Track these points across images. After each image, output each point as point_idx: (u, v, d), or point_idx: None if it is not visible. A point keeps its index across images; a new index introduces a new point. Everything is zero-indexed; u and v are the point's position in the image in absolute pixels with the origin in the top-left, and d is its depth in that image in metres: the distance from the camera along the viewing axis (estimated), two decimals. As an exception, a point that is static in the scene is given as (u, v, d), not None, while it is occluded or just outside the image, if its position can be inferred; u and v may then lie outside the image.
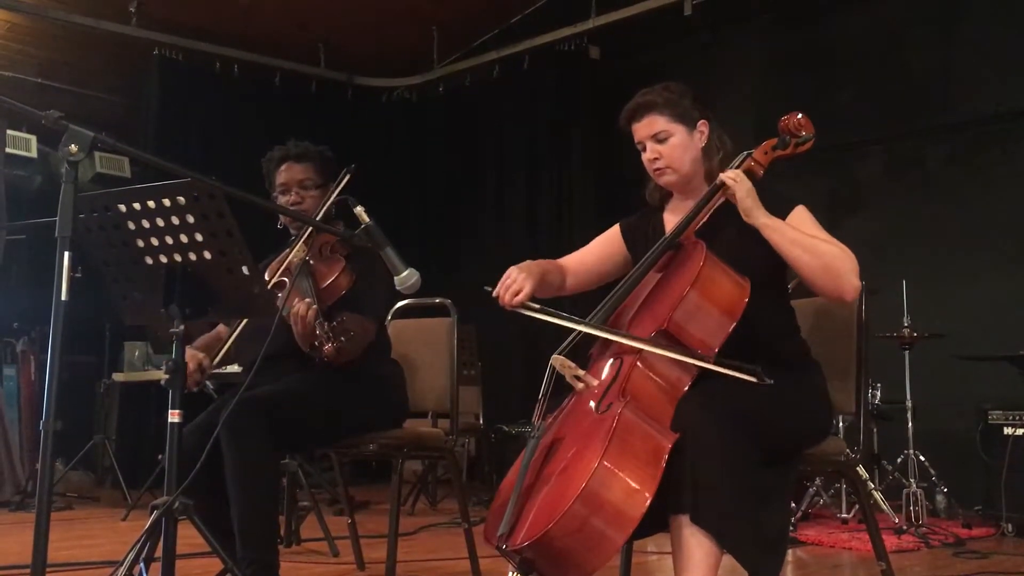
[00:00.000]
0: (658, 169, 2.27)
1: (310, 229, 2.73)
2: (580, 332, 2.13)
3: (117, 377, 6.09)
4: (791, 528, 4.15)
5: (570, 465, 1.87)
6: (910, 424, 4.47)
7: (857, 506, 4.37)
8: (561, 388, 2.12)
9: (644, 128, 2.26)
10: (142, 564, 1.99)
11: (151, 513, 1.96)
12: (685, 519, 1.86)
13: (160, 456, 4.62)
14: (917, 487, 4.31)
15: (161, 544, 1.95)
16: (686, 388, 2.00)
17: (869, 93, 5.63)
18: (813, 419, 2.21)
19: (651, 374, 1.99)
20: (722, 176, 2.20)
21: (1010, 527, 4.15)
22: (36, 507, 1.66)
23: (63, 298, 1.63)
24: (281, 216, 2.88)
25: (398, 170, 7.56)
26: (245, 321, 2.67)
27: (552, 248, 6.22)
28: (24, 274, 6.55)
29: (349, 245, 2.75)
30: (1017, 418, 4.24)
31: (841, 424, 4.16)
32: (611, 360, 2.07)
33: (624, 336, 2.03)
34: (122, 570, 1.96)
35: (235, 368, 5.09)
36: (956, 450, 4.60)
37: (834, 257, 2.09)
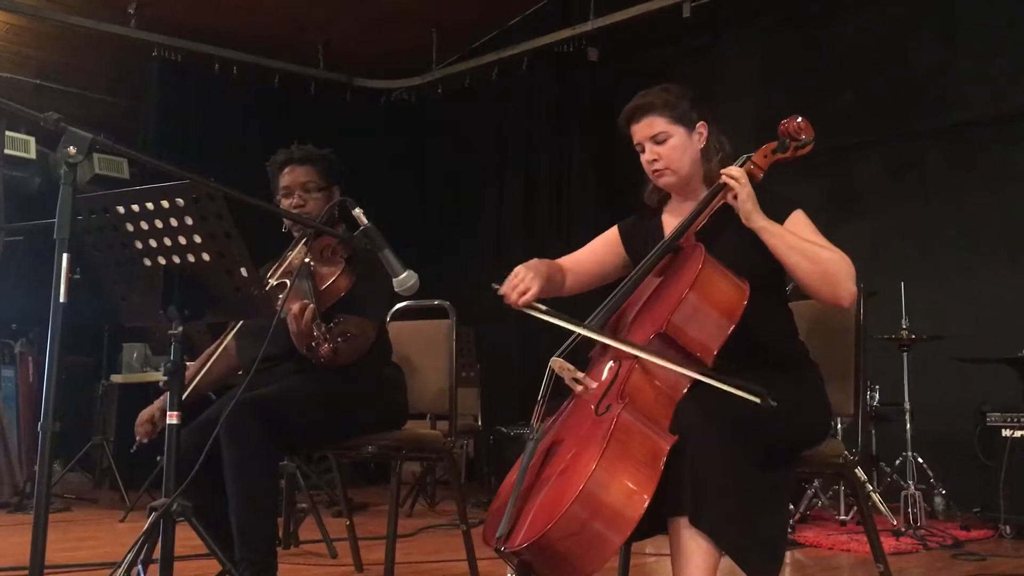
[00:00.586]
0: (657, 170, 2.27)
1: (312, 232, 2.73)
2: (579, 335, 2.13)
3: (116, 379, 6.09)
4: (790, 530, 4.15)
5: (569, 467, 1.87)
6: (908, 426, 4.47)
7: (855, 508, 4.37)
8: (560, 390, 2.12)
9: (643, 129, 2.26)
10: (140, 566, 1.99)
11: (149, 515, 1.96)
12: (684, 521, 1.86)
13: (159, 457, 4.61)
14: (915, 489, 4.31)
15: (159, 546, 1.95)
16: (685, 390, 2.00)
17: (868, 95, 5.64)
18: (812, 421, 2.21)
19: (650, 377, 1.99)
20: (724, 173, 2.19)
21: (1008, 529, 4.15)
22: (34, 508, 1.66)
23: (62, 300, 1.63)
24: (284, 219, 2.89)
25: (397, 172, 7.56)
26: (232, 333, 2.70)
27: (551, 250, 6.15)
28: (23, 275, 6.54)
29: (350, 247, 2.75)
30: (1015, 420, 4.24)
31: (840, 426, 4.16)
32: (610, 363, 2.07)
33: (625, 343, 2.02)
34: (120, 572, 1.95)
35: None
36: (954, 452, 4.61)
37: (832, 263, 2.10)
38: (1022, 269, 5.01)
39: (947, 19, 5.45)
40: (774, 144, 2.28)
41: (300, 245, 2.76)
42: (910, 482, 4.35)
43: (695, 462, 1.86)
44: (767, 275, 2.16)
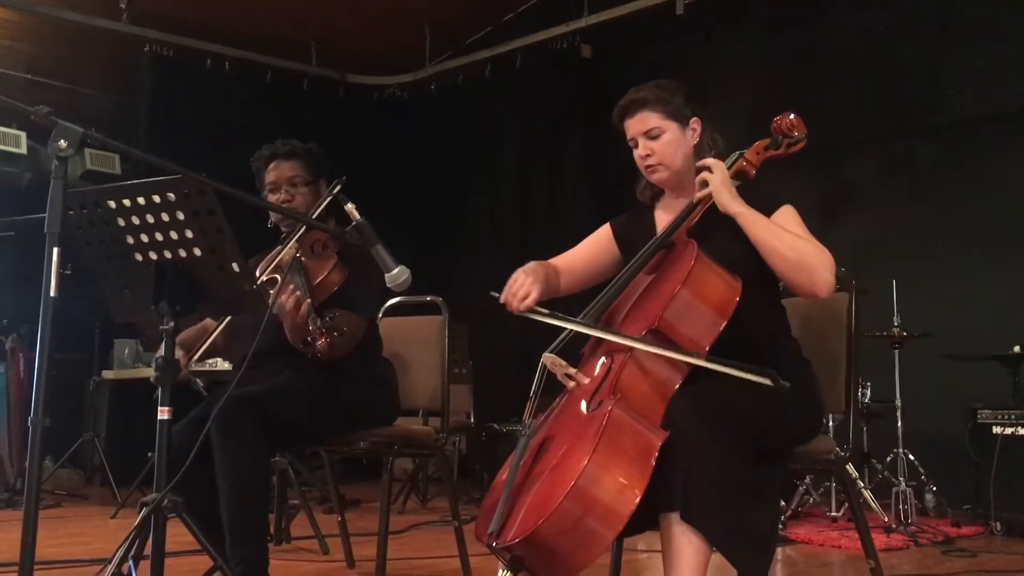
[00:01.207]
0: (650, 166, 2.27)
1: (302, 227, 2.72)
2: (571, 331, 2.13)
3: (107, 375, 6.07)
4: (781, 526, 4.16)
5: (560, 463, 1.87)
6: (899, 423, 4.49)
7: (846, 505, 4.39)
8: (553, 387, 2.12)
9: (636, 125, 2.26)
10: (131, 561, 1.99)
11: (140, 510, 1.96)
12: (675, 516, 1.86)
13: (150, 454, 4.61)
14: (906, 486, 4.33)
15: (150, 541, 1.95)
16: (677, 387, 2.00)
17: (860, 93, 5.65)
18: (803, 417, 2.21)
19: (642, 372, 1.99)
20: (697, 165, 2.20)
21: (999, 526, 4.17)
22: (24, 502, 1.66)
23: (52, 294, 1.63)
24: (271, 215, 2.88)
25: (390, 168, 7.55)
26: (230, 318, 2.68)
27: (545, 246, 6.17)
28: (12, 271, 6.51)
29: (340, 243, 2.75)
30: (1006, 417, 4.26)
31: (831, 423, 4.17)
32: (602, 359, 2.07)
33: (624, 337, 2.02)
34: (111, 567, 1.95)
35: (224, 365, 5.10)
36: (945, 449, 4.62)
37: (808, 253, 2.10)
38: (1013, 267, 5.03)
39: (940, 18, 5.46)
40: (767, 141, 2.28)
41: (292, 240, 2.75)
42: (901, 479, 4.37)
43: (687, 458, 1.86)
44: (760, 272, 2.16)
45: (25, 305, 5.27)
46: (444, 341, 3.21)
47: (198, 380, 5.01)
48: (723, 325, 2.03)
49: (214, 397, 2.68)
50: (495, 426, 5.57)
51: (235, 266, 1.98)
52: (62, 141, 1.69)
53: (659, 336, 2.00)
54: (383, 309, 3.27)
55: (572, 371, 2.07)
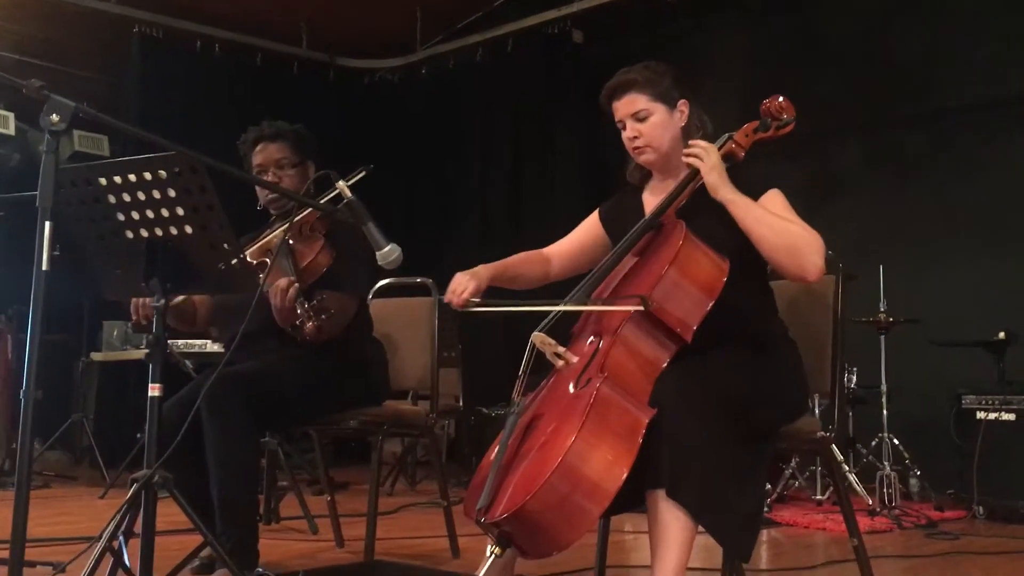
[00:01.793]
0: (637, 148, 2.28)
1: (294, 210, 2.72)
2: (558, 311, 2.15)
3: (96, 356, 6.06)
4: (766, 508, 4.20)
5: (548, 440, 1.89)
6: (885, 408, 4.53)
7: (831, 488, 4.43)
8: (542, 366, 2.13)
9: (624, 106, 2.27)
10: (121, 537, 2.00)
11: (131, 486, 1.96)
12: (661, 493, 1.89)
13: (139, 435, 4.61)
14: (891, 470, 4.37)
15: (140, 519, 1.96)
16: (664, 365, 2.02)
17: (850, 80, 5.67)
18: (789, 396, 2.24)
19: (630, 351, 2.01)
20: (686, 150, 2.21)
21: (981, 510, 4.21)
22: (16, 477, 1.66)
23: (44, 267, 1.63)
24: (260, 197, 2.87)
25: (380, 152, 7.51)
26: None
27: (535, 229, 6.25)
28: (1, 252, 6.48)
29: (329, 223, 2.75)
30: (990, 403, 4.30)
31: (817, 408, 4.20)
32: (591, 337, 2.09)
33: (574, 304, 2.08)
34: (101, 543, 1.96)
35: (214, 348, 5.10)
36: (930, 434, 4.66)
37: (797, 237, 2.11)
38: (999, 254, 5.07)
39: (929, 6, 5.48)
40: (756, 123, 2.29)
41: (284, 223, 2.75)
42: (886, 463, 4.41)
43: (673, 435, 1.88)
44: (747, 253, 2.17)
45: (13, 287, 5.26)
46: (434, 322, 3.22)
47: (187, 361, 5.03)
48: (711, 305, 2.04)
49: (204, 376, 2.69)
50: (484, 410, 5.58)
51: (226, 244, 1.99)
52: (55, 115, 1.69)
53: (647, 316, 2.02)
54: (373, 290, 3.28)
55: (561, 350, 2.09)
